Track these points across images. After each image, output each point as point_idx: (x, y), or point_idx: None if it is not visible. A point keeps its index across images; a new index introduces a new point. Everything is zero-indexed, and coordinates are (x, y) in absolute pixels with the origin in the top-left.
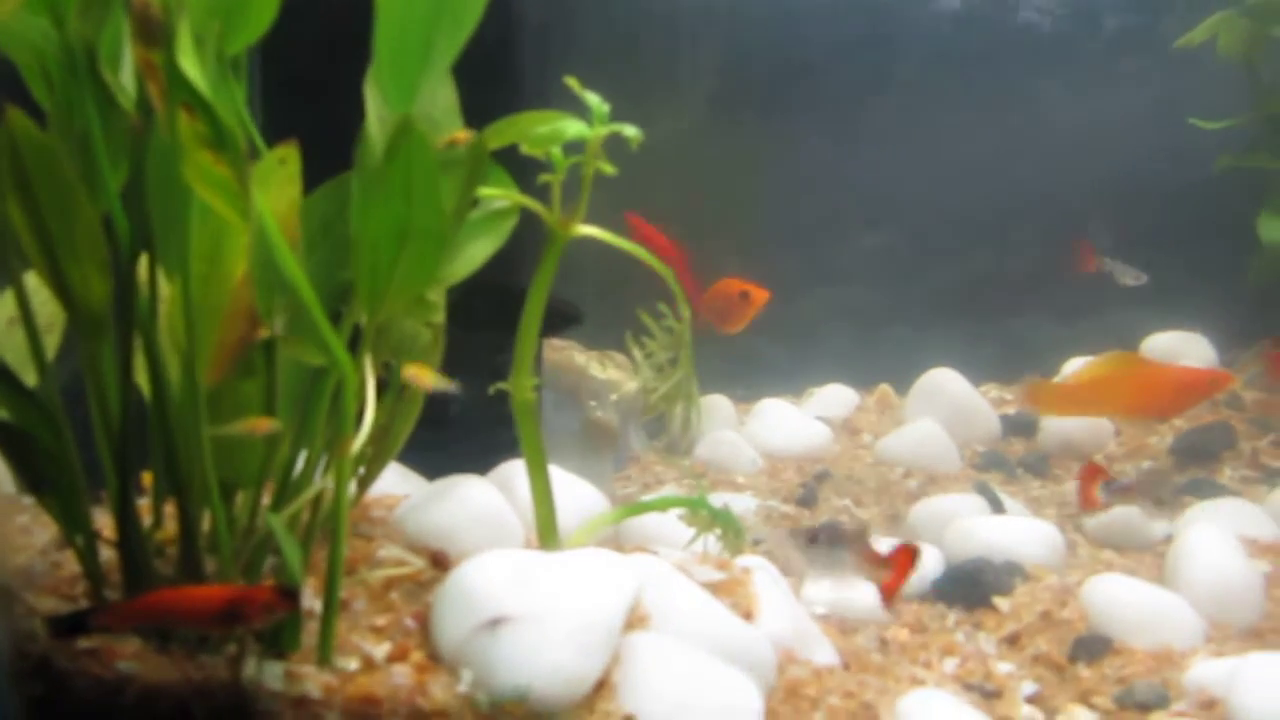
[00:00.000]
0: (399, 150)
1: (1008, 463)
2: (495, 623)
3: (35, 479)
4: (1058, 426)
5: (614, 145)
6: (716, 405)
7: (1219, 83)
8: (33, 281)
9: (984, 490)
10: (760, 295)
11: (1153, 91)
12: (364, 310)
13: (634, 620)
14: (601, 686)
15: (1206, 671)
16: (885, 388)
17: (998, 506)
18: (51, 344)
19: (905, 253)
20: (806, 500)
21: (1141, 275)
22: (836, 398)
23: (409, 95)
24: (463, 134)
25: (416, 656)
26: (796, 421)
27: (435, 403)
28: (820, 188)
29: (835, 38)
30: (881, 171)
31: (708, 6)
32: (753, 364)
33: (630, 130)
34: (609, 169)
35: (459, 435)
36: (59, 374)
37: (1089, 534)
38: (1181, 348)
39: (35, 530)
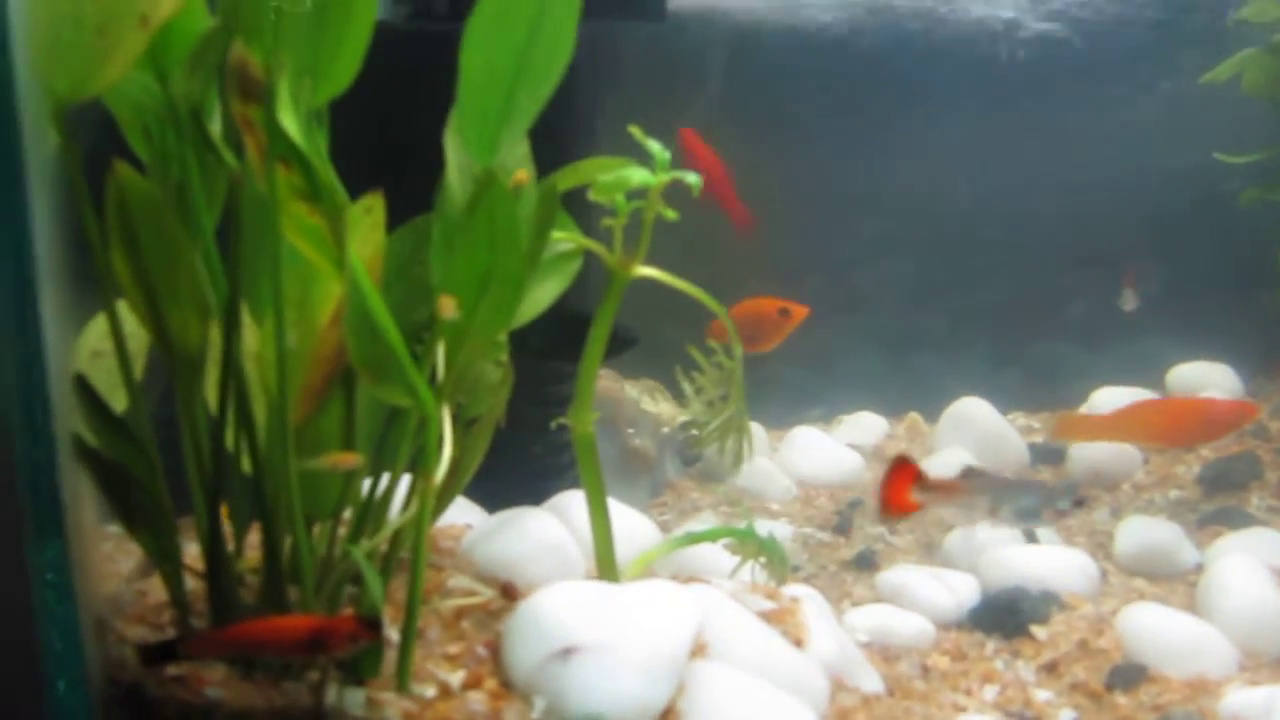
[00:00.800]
0: (483, 202)
1: None
2: (567, 652)
3: (127, 509)
4: (1086, 455)
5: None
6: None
7: (1247, 116)
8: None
9: (1023, 521)
10: (800, 311)
11: (1181, 123)
12: (445, 352)
13: (695, 650)
14: (668, 714)
15: (1241, 700)
16: (915, 416)
17: (1031, 536)
18: (137, 370)
19: (929, 278)
20: (842, 527)
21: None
22: (866, 425)
23: (491, 148)
24: (524, 174)
25: (490, 684)
26: (829, 449)
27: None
28: (845, 212)
29: (859, 57)
30: (906, 197)
31: (733, 28)
32: (780, 390)
33: (692, 178)
34: (671, 215)
35: (513, 463)
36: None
37: (1119, 562)
38: (1207, 377)
39: (119, 558)
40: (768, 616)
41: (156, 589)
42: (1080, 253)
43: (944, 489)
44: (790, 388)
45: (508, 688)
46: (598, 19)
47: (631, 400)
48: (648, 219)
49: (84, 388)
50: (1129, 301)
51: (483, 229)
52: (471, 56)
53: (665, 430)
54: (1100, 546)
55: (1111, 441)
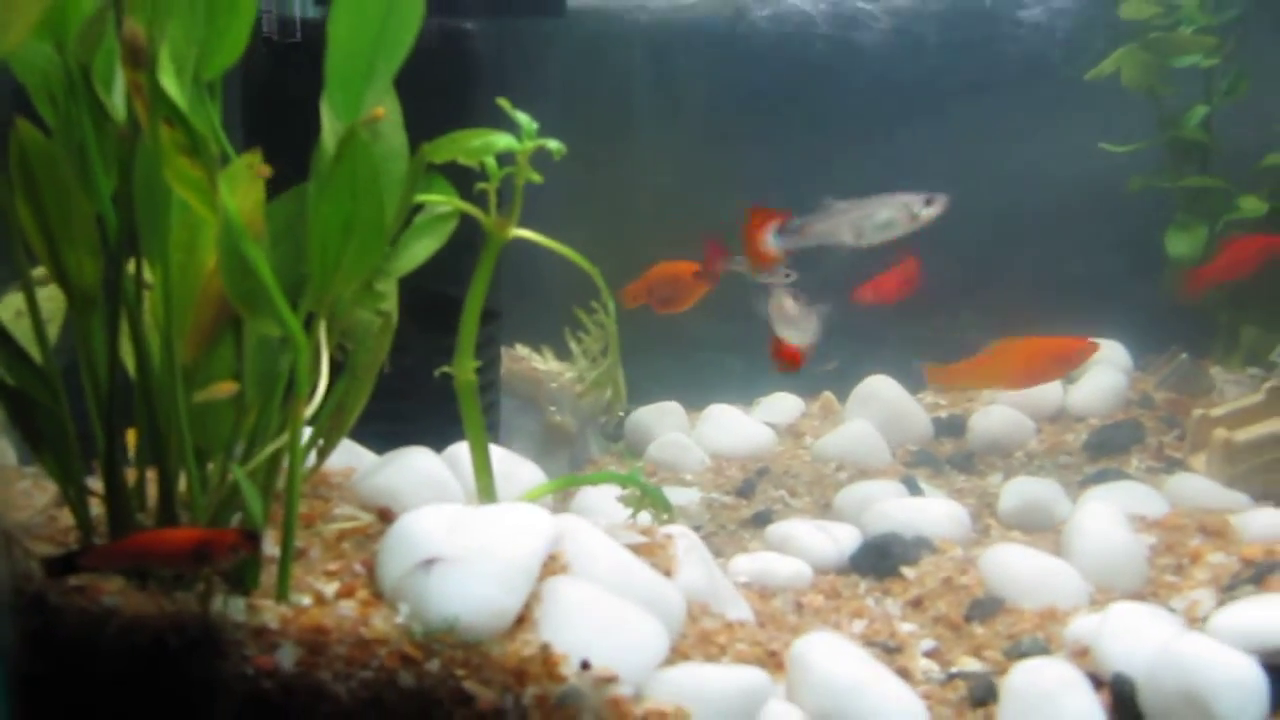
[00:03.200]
0: (345, 154)
1: (936, 460)
2: (428, 562)
3: (35, 437)
4: (985, 426)
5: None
6: (669, 411)
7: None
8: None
9: (907, 481)
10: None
11: (1074, 118)
12: (316, 292)
13: (555, 567)
14: (522, 621)
15: (1081, 625)
16: (828, 395)
17: (915, 489)
18: (52, 332)
19: (849, 273)
20: (745, 491)
21: (790, 272)
22: (783, 405)
23: (355, 109)
24: (380, 110)
25: (362, 594)
26: (743, 425)
27: (394, 392)
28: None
29: (794, 60)
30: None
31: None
32: (709, 375)
33: (554, 144)
34: (537, 178)
35: (418, 427)
36: (59, 360)
37: (1002, 518)
38: (1100, 354)
39: (35, 494)
40: (637, 549)
41: (66, 516)
42: (985, 246)
43: (803, 229)
44: (718, 374)
45: (378, 598)
46: (499, 16)
47: (554, 381)
48: (518, 183)
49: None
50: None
51: (345, 179)
52: (337, 30)
53: (554, 385)
54: (988, 506)
55: (978, 386)
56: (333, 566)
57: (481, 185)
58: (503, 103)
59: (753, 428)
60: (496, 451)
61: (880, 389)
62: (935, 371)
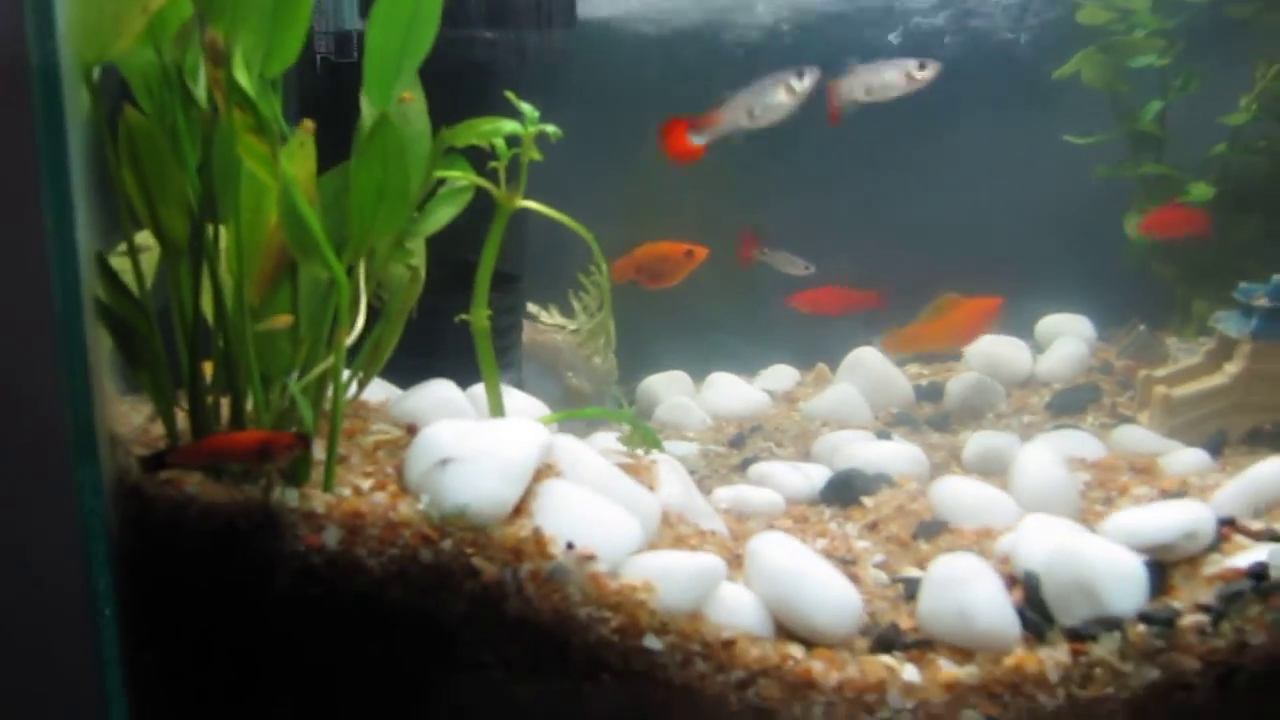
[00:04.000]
0: (377, 133)
1: (915, 420)
2: (444, 461)
3: (135, 359)
4: (959, 391)
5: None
6: (677, 379)
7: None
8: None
9: (880, 434)
10: (701, 252)
11: (1043, 114)
12: (355, 245)
13: (550, 473)
14: (520, 511)
15: (1007, 538)
16: (822, 366)
17: (885, 436)
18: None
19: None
20: (736, 443)
21: (809, 265)
22: (781, 375)
23: (386, 97)
24: (409, 95)
25: (392, 488)
26: (742, 390)
27: (424, 340)
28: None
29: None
30: (828, 189)
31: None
32: (717, 354)
33: (551, 129)
34: (538, 156)
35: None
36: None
37: (965, 465)
38: (1066, 326)
39: (133, 415)
40: (625, 468)
41: (158, 430)
42: (964, 230)
43: (708, 120)
44: (724, 354)
45: (405, 491)
46: (512, 28)
47: (571, 348)
48: (524, 161)
49: (102, 263)
50: (790, 265)
51: (378, 153)
52: (373, 37)
53: (560, 336)
54: (955, 458)
55: (924, 349)
56: (369, 469)
57: (493, 163)
58: (509, 95)
59: (751, 393)
60: (510, 391)
61: (866, 358)
62: (889, 338)
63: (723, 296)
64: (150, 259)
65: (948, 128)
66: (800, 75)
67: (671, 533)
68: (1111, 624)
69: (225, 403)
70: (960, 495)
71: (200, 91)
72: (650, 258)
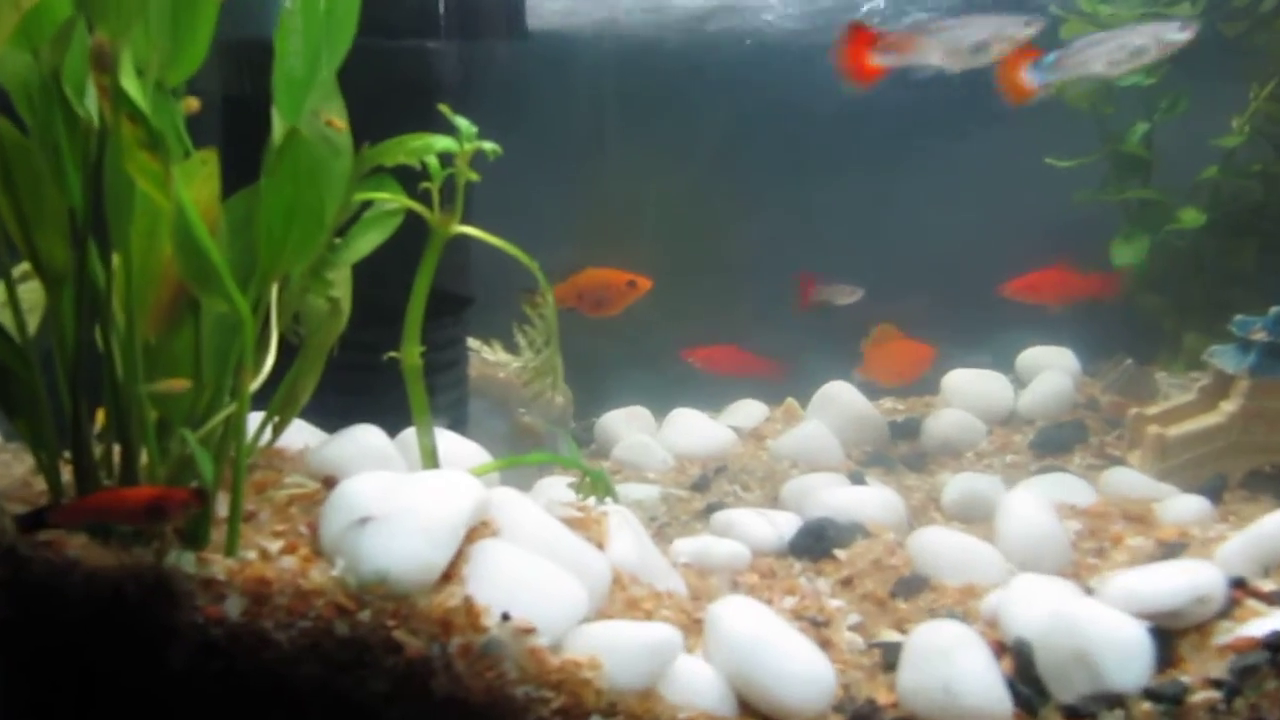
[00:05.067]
0: (287, 148)
1: (889, 459)
2: (363, 520)
3: (10, 405)
4: (937, 428)
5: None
6: (637, 415)
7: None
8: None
9: (853, 475)
10: (645, 284)
11: (1022, 135)
12: (264, 273)
13: (486, 532)
14: (449, 576)
15: (993, 598)
16: (791, 401)
17: (859, 480)
18: (33, 322)
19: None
20: (700, 486)
21: (855, 290)
22: (748, 411)
23: (299, 109)
24: (337, 121)
25: (303, 551)
26: (706, 428)
27: (356, 378)
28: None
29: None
30: (777, 205)
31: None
32: (678, 386)
33: (489, 146)
34: (475, 177)
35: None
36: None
37: (945, 511)
38: (1049, 359)
39: (14, 465)
40: (571, 522)
41: (40, 483)
42: (938, 256)
43: (900, 43)
44: (687, 385)
45: (317, 554)
46: (463, 38)
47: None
48: (459, 182)
49: None
50: (841, 295)
51: (288, 170)
52: (283, 45)
53: (502, 374)
54: (934, 501)
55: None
56: (280, 527)
57: (425, 184)
58: (443, 108)
59: (715, 430)
60: (445, 435)
61: (838, 394)
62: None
63: (681, 322)
64: (34, 295)
65: (920, 147)
66: (1028, 24)
67: (623, 596)
68: (1114, 701)
69: (117, 453)
70: (941, 548)
71: (89, 103)
72: (593, 285)
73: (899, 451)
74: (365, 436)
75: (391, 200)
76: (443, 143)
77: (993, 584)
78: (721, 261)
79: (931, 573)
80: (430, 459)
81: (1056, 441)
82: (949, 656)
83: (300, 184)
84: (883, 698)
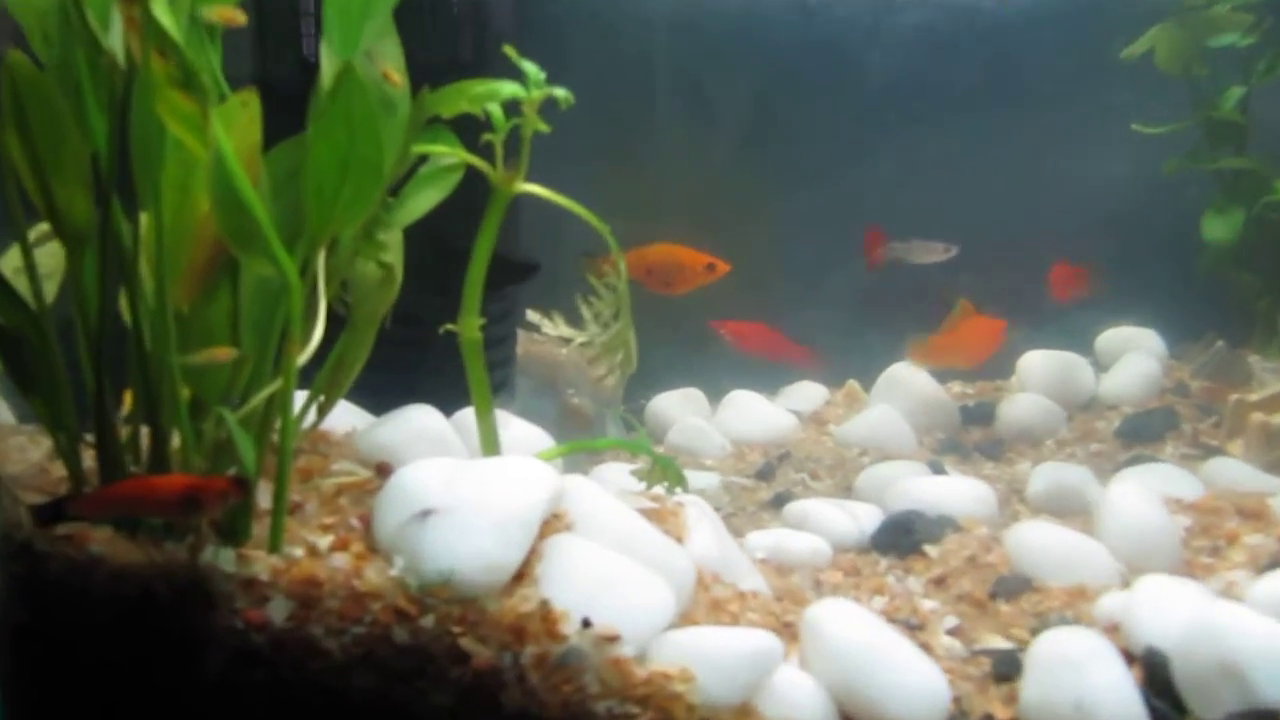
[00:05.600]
0: (341, 89)
1: (964, 447)
2: (425, 513)
3: (26, 381)
4: (1014, 415)
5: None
6: (691, 397)
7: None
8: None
9: (932, 464)
10: (723, 268)
11: (1103, 100)
12: (313, 233)
13: (559, 526)
14: (522, 577)
15: (1111, 601)
16: (853, 384)
17: (939, 469)
18: (50, 290)
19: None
20: (765, 474)
21: (950, 247)
22: (807, 393)
23: (353, 44)
24: (395, 74)
25: (357, 547)
26: (765, 411)
27: (400, 354)
28: (787, 197)
29: (793, 44)
30: (847, 179)
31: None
32: (731, 365)
33: (561, 92)
34: (544, 127)
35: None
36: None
37: (1031, 503)
38: (1133, 341)
39: (30, 449)
40: (647, 514)
41: (59, 469)
42: (1014, 231)
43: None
44: (741, 365)
45: (373, 550)
46: None
47: (572, 362)
48: (525, 134)
49: None
50: (926, 252)
51: (341, 116)
52: None
53: (609, 381)
54: (1016, 492)
55: (948, 362)
56: (328, 520)
57: (488, 136)
58: (508, 50)
59: (775, 414)
60: (505, 416)
61: (905, 376)
62: (915, 347)
63: (736, 302)
64: (53, 259)
65: (992, 113)
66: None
67: (706, 597)
68: (1268, 717)
69: (145, 436)
70: (1043, 545)
71: (114, 39)
72: (665, 261)
73: (972, 438)
74: (421, 418)
75: (450, 154)
76: (509, 89)
77: (1102, 585)
78: (777, 239)
79: (1033, 572)
80: (492, 444)
81: (1145, 429)
82: (1080, 669)
83: (355, 131)
84: (1000, 713)
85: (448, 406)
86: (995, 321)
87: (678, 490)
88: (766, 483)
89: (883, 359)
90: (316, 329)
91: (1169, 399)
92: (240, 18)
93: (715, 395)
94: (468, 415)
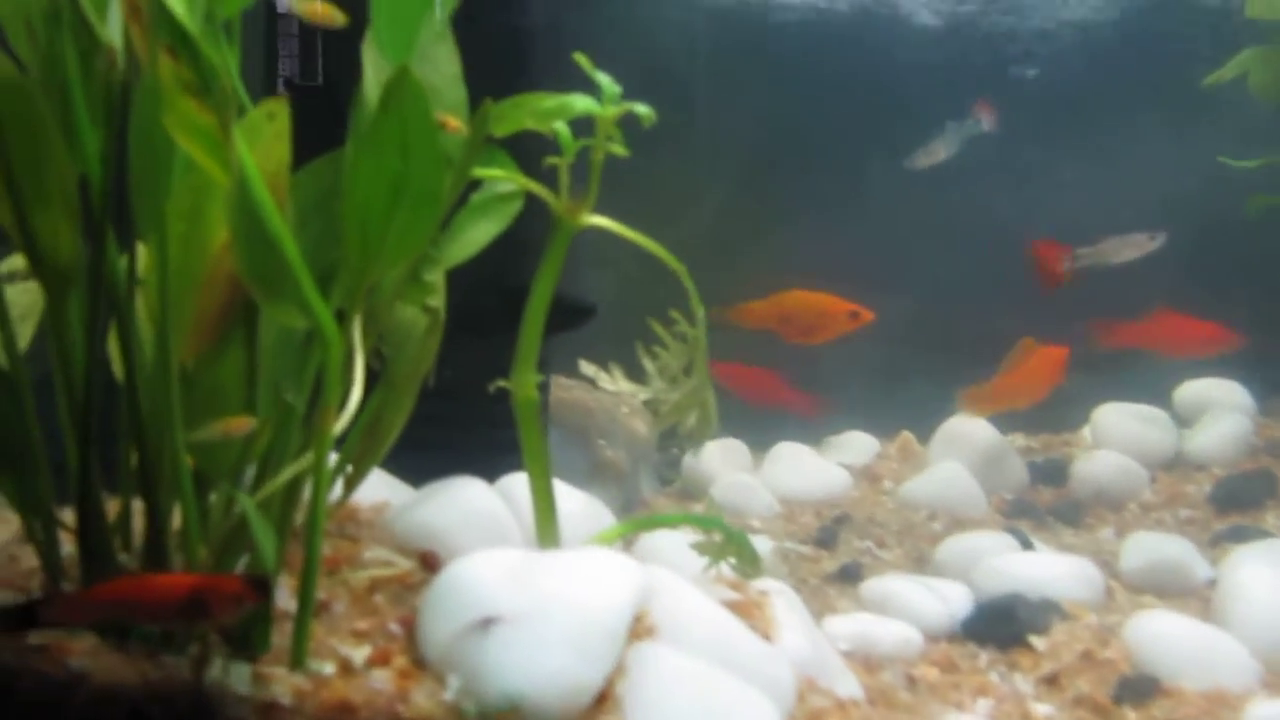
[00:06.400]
0: (394, 100)
1: (1037, 510)
2: (486, 623)
3: None
4: (1090, 474)
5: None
6: (732, 448)
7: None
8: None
9: (1015, 533)
10: (866, 316)
11: (1182, 132)
12: (353, 275)
13: (641, 630)
14: (604, 699)
15: (1268, 714)
16: (907, 435)
17: (1027, 543)
18: (25, 333)
19: (924, 305)
20: (825, 541)
21: (1155, 234)
22: (856, 445)
23: (407, 46)
24: (454, 121)
25: (400, 662)
26: (814, 466)
27: (428, 420)
28: (837, 242)
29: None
30: (896, 226)
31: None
32: (769, 413)
33: (642, 109)
34: (621, 150)
35: (455, 457)
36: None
37: (1125, 579)
38: (1214, 395)
39: None
40: (731, 608)
41: (31, 555)
42: (1083, 271)
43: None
44: (776, 412)
45: (420, 666)
46: None
47: (604, 410)
48: (596, 158)
49: None
50: (1123, 249)
51: (394, 131)
52: None
53: (630, 406)
54: (1105, 565)
55: (1009, 405)
56: (362, 625)
57: (552, 159)
58: (580, 59)
59: (826, 469)
60: (560, 490)
61: (969, 429)
62: (969, 397)
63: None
64: (27, 292)
65: (1068, 143)
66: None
67: (804, 709)
68: None
69: (137, 513)
70: (1172, 641)
71: (111, 29)
72: (803, 309)
73: (1043, 499)
74: (470, 494)
75: (508, 178)
76: (583, 103)
77: (1245, 690)
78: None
79: (1160, 671)
80: (550, 527)
81: (1243, 495)
82: None
83: (411, 151)
84: None
85: (475, 466)
86: (1055, 350)
87: (750, 572)
88: (828, 550)
89: (934, 406)
90: (354, 390)
91: (1264, 460)
92: (340, 18)
93: (753, 444)
94: (513, 485)
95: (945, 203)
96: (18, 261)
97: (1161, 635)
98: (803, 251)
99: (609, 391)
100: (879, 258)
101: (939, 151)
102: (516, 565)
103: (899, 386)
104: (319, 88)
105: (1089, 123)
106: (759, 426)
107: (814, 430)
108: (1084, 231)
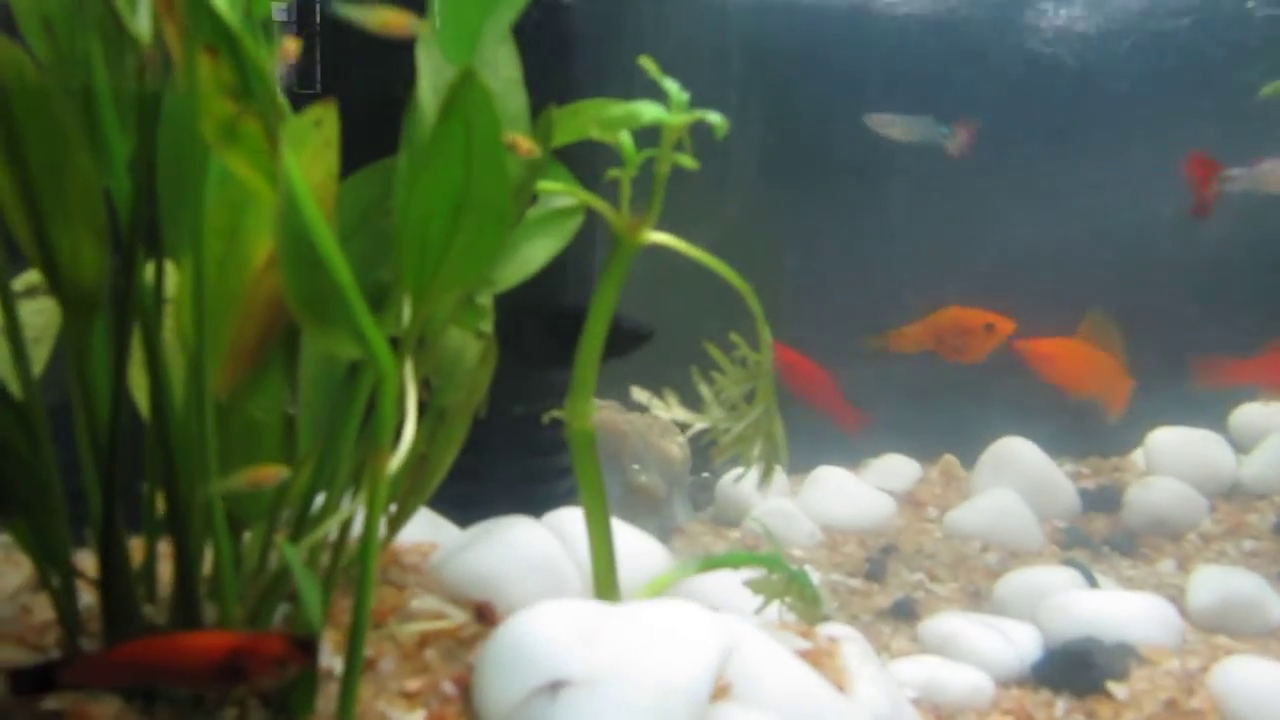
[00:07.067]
0: (458, 105)
1: (1091, 540)
2: (555, 686)
3: (3, 497)
4: (1146, 501)
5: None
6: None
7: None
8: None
9: (1078, 567)
10: (1007, 327)
11: (1231, 145)
12: (408, 298)
13: (718, 690)
14: None
15: None
16: (950, 458)
17: (1091, 580)
18: (40, 356)
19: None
20: (875, 574)
21: None
22: (896, 469)
23: (470, 44)
24: (526, 142)
25: None
26: (857, 492)
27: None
28: (873, 259)
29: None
30: (938, 240)
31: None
32: (801, 432)
33: (715, 117)
34: (690, 163)
35: (495, 489)
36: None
37: (1194, 618)
38: (1276, 420)
39: (6, 572)
40: (803, 657)
41: (45, 606)
42: (1127, 290)
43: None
44: (808, 430)
45: None
46: None
47: (638, 433)
48: (661, 171)
49: None
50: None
51: (458, 140)
52: None
53: (678, 455)
54: (1170, 601)
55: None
56: (413, 685)
57: (614, 172)
58: (646, 63)
59: (868, 496)
60: (619, 529)
61: (1018, 453)
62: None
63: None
64: (42, 317)
65: (1108, 158)
66: None
67: None
68: None
69: (164, 558)
70: (1262, 688)
71: (141, 23)
72: (953, 328)
73: (1096, 528)
74: (525, 537)
75: (568, 192)
76: (652, 112)
77: None
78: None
79: None
80: (609, 576)
81: None
82: None
83: (476, 162)
84: None
85: (511, 496)
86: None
87: (815, 615)
88: (879, 583)
89: (973, 427)
90: (408, 425)
91: None
92: (416, 25)
93: (787, 465)
94: (564, 522)
95: (991, 213)
96: (34, 277)
97: (1253, 684)
98: (849, 264)
99: (641, 413)
100: (910, 270)
101: (897, 129)
102: (585, 620)
103: (934, 405)
104: (316, 96)
105: (1136, 141)
106: (791, 446)
107: (850, 451)
108: (1149, 246)
